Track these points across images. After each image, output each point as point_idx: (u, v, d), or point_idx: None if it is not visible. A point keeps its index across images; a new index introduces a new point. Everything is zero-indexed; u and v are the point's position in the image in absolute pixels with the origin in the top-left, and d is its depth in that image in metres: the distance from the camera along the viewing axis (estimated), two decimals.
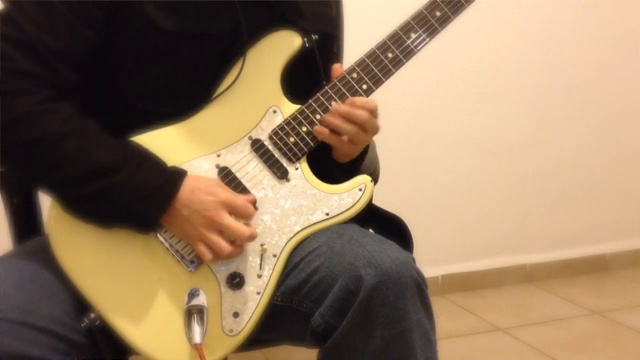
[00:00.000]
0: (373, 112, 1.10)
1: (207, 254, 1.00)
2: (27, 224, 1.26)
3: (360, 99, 1.09)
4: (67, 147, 0.96)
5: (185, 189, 1.00)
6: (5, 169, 1.14)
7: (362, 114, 1.08)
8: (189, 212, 0.99)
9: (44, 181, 1.00)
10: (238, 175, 1.07)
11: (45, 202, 1.10)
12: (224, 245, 0.99)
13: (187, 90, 1.08)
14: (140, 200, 0.98)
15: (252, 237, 1.01)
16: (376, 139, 1.20)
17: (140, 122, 1.05)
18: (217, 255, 1.00)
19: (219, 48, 1.08)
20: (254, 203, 1.05)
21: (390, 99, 2.12)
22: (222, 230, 1.00)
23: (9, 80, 0.97)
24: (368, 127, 1.10)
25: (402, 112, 2.41)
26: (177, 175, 1.01)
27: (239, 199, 1.01)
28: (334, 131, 1.09)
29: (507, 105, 2.59)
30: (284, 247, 1.06)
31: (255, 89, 1.10)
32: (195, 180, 1.01)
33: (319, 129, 1.09)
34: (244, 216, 1.01)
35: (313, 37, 1.13)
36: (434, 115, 2.48)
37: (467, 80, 2.50)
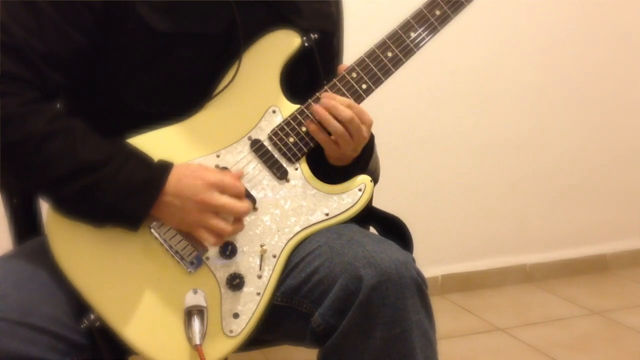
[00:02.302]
0: (358, 115, 1.07)
1: (209, 238, 1.00)
2: (26, 224, 1.26)
3: (346, 100, 1.08)
4: (52, 147, 0.96)
5: (172, 180, 0.99)
6: None
7: (345, 112, 1.06)
8: (181, 201, 0.99)
9: (32, 182, 1.01)
10: None
11: (45, 202, 1.09)
12: (224, 225, 0.99)
13: (185, 91, 1.08)
14: (126, 196, 0.98)
15: (248, 211, 1.01)
16: (376, 139, 1.20)
17: (139, 124, 1.05)
18: (220, 237, 1.00)
19: (215, 48, 1.08)
20: (240, 178, 1.04)
21: (390, 98, 2.13)
22: (217, 212, 0.99)
23: None
24: (352, 128, 1.06)
25: (401, 112, 2.41)
26: (163, 168, 1.00)
27: (227, 178, 1.01)
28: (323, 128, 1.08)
29: (507, 105, 2.59)
30: (284, 247, 1.05)
31: (254, 89, 1.09)
32: (180, 169, 1.01)
33: (309, 123, 1.08)
34: (235, 194, 1.01)
35: (312, 36, 1.12)
36: (434, 114, 2.48)
37: (466, 80, 2.50)
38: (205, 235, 1.00)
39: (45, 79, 1.00)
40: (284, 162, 1.09)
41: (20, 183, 1.01)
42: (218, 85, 1.08)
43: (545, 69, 2.62)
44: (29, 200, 1.26)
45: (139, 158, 1.01)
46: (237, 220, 1.02)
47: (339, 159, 1.12)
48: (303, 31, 1.12)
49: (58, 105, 1.07)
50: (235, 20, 1.07)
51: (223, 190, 1.00)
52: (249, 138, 1.09)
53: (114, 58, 1.05)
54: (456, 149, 2.54)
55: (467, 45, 2.44)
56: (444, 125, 2.50)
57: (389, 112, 2.31)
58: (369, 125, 1.10)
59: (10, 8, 0.99)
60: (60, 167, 0.96)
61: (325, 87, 1.10)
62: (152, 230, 1.02)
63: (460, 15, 1.15)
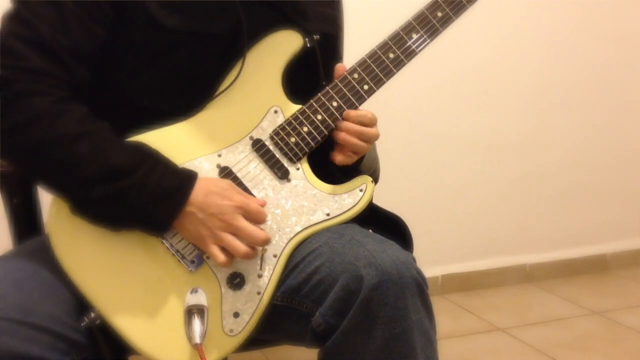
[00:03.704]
0: (374, 123, 1.13)
1: (220, 256, 1.00)
2: (27, 224, 1.26)
3: (359, 115, 1.10)
4: (81, 149, 0.96)
5: (199, 192, 1.00)
6: (16, 169, 1.14)
7: (373, 132, 1.11)
8: (204, 215, 0.99)
9: (56, 182, 1.00)
10: (239, 175, 1.07)
11: (46, 202, 1.09)
12: (239, 245, 0.99)
13: (189, 89, 1.08)
14: (155, 202, 0.98)
15: (266, 241, 1.02)
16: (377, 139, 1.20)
17: (142, 121, 1.05)
18: (231, 257, 1.01)
19: (220, 47, 1.08)
20: (264, 205, 1.05)
21: (391, 99, 2.13)
22: (236, 233, 1.00)
23: (24, 80, 0.97)
24: (373, 140, 1.13)
25: (402, 112, 2.41)
26: (189, 178, 1.01)
27: (253, 205, 1.02)
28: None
29: (507, 105, 2.59)
30: (285, 247, 1.06)
31: (257, 89, 1.09)
32: (209, 183, 1.01)
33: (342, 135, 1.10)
34: (258, 221, 1.02)
35: (314, 37, 1.13)
36: (435, 115, 2.48)
37: (467, 81, 2.50)
38: (217, 252, 1.00)
39: (73, 74, 1.01)
40: (285, 162, 1.09)
41: (47, 183, 1.01)
42: (221, 84, 1.08)
43: (546, 69, 2.62)
44: (29, 200, 1.26)
45: (165, 164, 1.01)
46: (251, 248, 1.02)
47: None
48: (306, 32, 1.12)
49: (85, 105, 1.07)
50: (241, 21, 1.07)
51: (247, 214, 1.01)
52: (251, 138, 1.09)
53: (121, 53, 1.05)
54: (456, 149, 2.54)
55: (467, 46, 2.44)
56: (444, 125, 2.50)
57: (389, 112, 2.31)
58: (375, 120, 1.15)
59: (31, 5, 0.99)
60: (90, 170, 0.96)
61: (327, 87, 1.10)
62: None
63: (462, 17, 1.15)
